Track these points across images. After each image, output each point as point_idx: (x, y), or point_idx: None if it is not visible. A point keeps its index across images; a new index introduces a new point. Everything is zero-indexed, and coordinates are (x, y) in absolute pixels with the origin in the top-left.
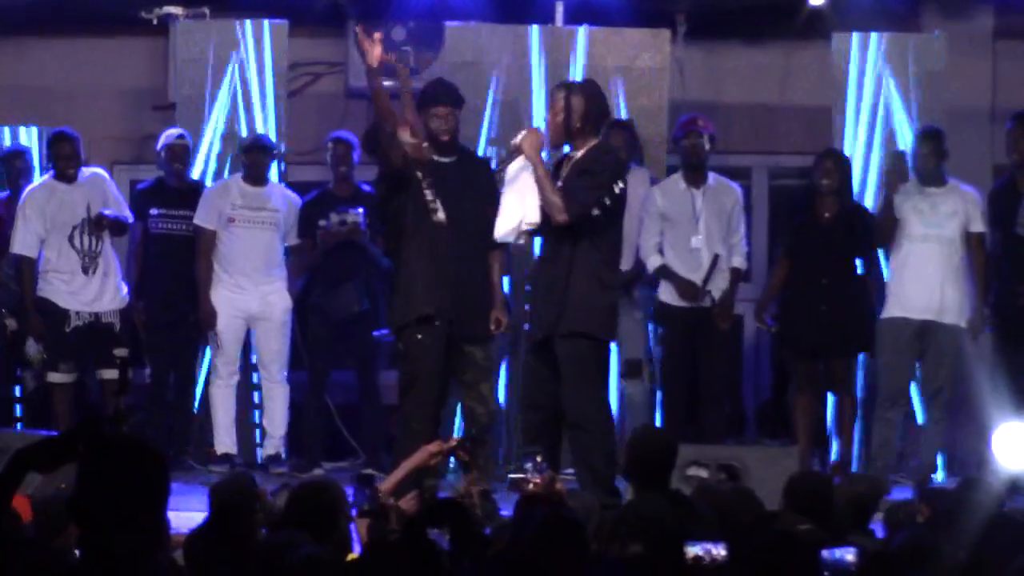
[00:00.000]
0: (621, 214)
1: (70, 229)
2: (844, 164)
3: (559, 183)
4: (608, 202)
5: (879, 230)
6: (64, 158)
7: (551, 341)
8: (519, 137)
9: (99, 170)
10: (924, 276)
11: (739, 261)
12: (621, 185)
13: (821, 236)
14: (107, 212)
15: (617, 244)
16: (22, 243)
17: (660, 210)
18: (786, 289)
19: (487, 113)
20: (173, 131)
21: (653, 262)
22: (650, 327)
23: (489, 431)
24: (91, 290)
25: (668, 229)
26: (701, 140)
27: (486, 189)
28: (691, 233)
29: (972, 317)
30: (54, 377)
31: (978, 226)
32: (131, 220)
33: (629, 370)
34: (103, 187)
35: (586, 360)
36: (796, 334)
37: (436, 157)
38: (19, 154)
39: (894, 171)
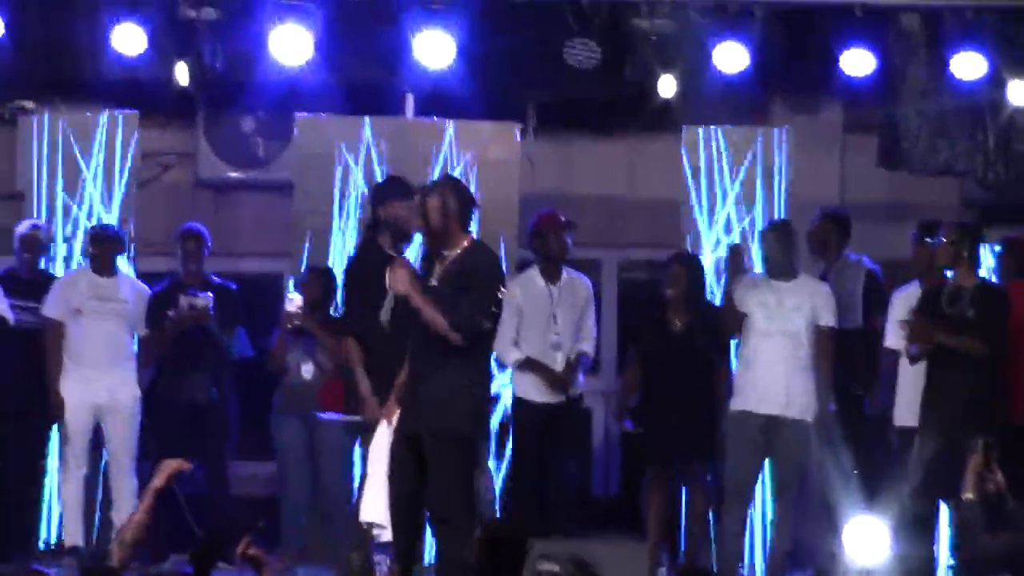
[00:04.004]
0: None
1: None
2: (692, 267)
3: (433, 281)
4: (495, 310)
5: (721, 323)
6: None
7: (420, 437)
8: (388, 278)
9: None
10: (769, 370)
11: (588, 346)
12: (503, 289)
13: (673, 344)
14: None
15: (491, 342)
16: None
17: (518, 304)
18: (642, 395)
19: (335, 205)
20: (28, 221)
21: (514, 356)
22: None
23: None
24: None
25: (525, 323)
26: (565, 236)
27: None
28: (548, 329)
29: (817, 412)
30: None
31: (826, 320)
32: (11, 318)
33: None
34: None
35: (455, 459)
36: (653, 441)
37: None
38: None
39: (731, 263)
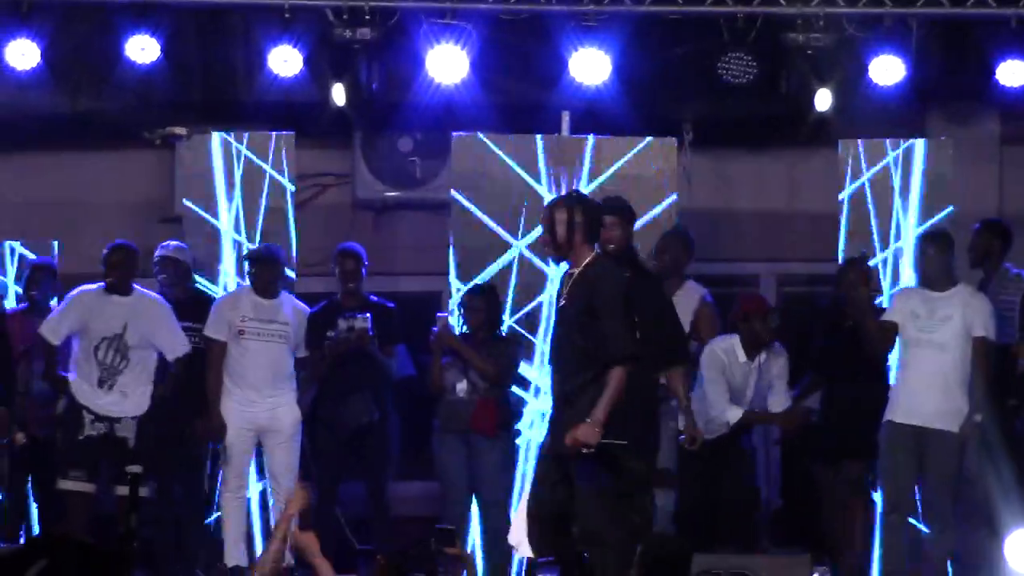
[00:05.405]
0: None
1: (99, 339)
2: (866, 270)
3: (562, 301)
4: (628, 321)
5: (867, 338)
6: (109, 266)
7: (566, 457)
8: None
9: (158, 298)
10: (917, 381)
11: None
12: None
13: (842, 345)
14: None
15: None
16: (48, 326)
17: (722, 368)
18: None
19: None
20: (166, 243)
21: (734, 414)
22: None
23: None
24: (104, 403)
25: None
26: (770, 321)
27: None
28: (741, 400)
29: (963, 423)
30: (64, 484)
31: (979, 330)
32: (187, 350)
33: (658, 480)
34: (153, 314)
35: (602, 477)
36: (817, 440)
37: None
38: (43, 267)
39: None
